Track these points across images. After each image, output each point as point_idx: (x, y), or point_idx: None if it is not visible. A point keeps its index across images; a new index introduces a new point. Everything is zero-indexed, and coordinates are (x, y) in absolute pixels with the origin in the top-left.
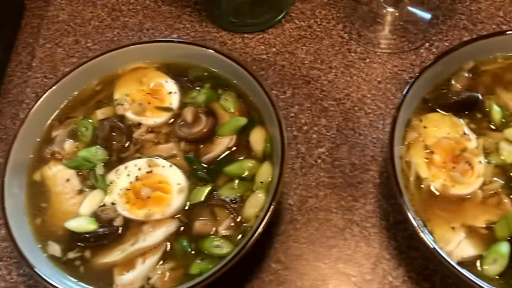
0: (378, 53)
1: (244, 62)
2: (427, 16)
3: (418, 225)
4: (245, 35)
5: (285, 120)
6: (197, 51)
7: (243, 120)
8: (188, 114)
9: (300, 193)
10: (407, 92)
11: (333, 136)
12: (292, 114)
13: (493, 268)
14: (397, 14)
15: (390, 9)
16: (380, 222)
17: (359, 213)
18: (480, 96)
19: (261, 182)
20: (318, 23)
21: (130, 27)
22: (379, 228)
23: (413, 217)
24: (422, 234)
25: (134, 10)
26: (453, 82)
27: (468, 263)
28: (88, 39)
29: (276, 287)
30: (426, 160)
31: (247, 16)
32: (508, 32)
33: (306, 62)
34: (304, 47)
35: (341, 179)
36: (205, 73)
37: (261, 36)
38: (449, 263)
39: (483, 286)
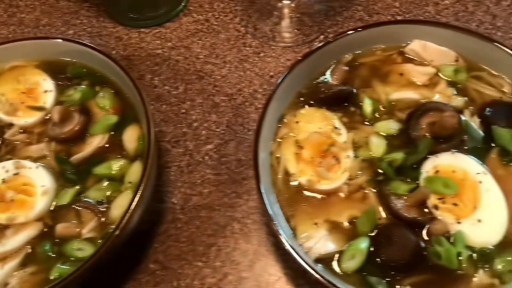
0: (273, 47)
1: (117, 57)
2: (323, 8)
3: (276, 222)
4: (142, 30)
5: (176, 116)
6: (73, 48)
7: (114, 118)
8: (55, 113)
9: (184, 191)
10: (277, 87)
11: (222, 132)
12: (183, 110)
13: (351, 264)
14: (293, 6)
15: (287, 1)
16: (261, 218)
17: (241, 210)
18: (355, 90)
19: (130, 182)
20: (216, 16)
21: (26, 23)
22: (259, 224)
23: (271, 213)
24: (277, 231)
25: (31, 6)
26: (328, 75)
27: (327, 259)
28: None
29: (152, 287)
30: (296, 156)
31: (146, 9)
32: (386, 24)
33: (201, 56)
34: (200, 41)
35: (227, 175)
36: (84, 70)
37: (157, 30)
38: (302, 259)
39: (332, 281)
